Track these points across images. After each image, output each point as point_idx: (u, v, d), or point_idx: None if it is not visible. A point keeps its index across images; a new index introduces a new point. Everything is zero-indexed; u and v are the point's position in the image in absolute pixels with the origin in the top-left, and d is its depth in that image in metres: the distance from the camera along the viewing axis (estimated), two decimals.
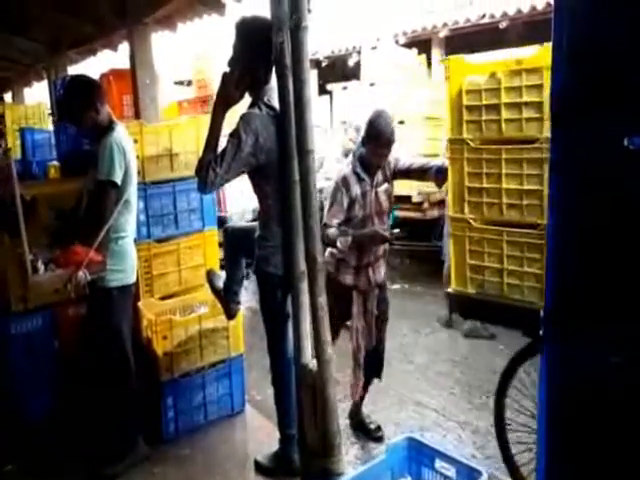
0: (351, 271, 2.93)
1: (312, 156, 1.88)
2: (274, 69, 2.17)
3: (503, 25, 6.03)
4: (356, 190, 2.83)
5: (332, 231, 2.77)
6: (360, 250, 2.87)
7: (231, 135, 2.26)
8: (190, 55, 8.15)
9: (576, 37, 0.96)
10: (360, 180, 2.84)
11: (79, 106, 2.67)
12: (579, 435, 1.05)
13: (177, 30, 4.09)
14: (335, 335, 3.05)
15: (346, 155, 4.69)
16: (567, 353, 1.04)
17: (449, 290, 2.71)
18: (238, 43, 2.33)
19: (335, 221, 2.80)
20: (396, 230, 2.87)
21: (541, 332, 1.07)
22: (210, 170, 2.23)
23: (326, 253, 3.00)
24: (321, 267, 1.91)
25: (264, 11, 2.17)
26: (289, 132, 1.92)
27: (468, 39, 7.13)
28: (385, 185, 2.93)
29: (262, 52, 2.24)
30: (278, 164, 2.24)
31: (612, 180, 0.95)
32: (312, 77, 5.99)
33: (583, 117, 0.97)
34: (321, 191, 4.71)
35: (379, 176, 2.91)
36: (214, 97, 2.33)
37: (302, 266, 2.01)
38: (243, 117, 2.28)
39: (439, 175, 2.78)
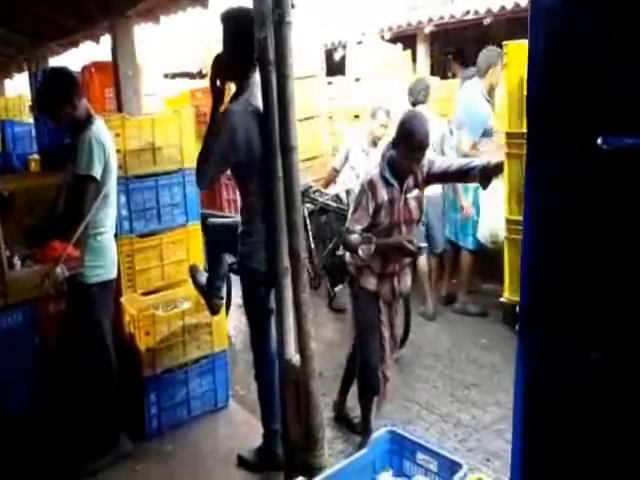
0: (374, 276, 2.73)
1: (295, 152, 1.87)
2: (258, 64, 2.16)
3: (487, 21, 6.06)
4: (383, 195, 2.60)
5: (354, 237, 2.57)
6: (384, 257, 2.67)
7: (213, 132, 2.30)
8: (175, 48, 8.08)
9: (552, 34, 0.97)
10: (388, 185, 2.61)
11: (56, 100, 2.63)
12: (555, 430, 1.06)
13: (160, 23, 4.04)
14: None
15: (374, 144, 4.45)
16: (543, 347, 1.05)
17: (502, 299, 2.57)
18: (223, 35, 2.34)
19: (358, 227, 2.58)
20: (423, 244, 2.72)
21: (517, 326, 1.09)
22: (199, 166, 2.33)
23: (347, 255, 2.88)
24: (304, 263, 1.91)
25: (249, 5, 2.16)
26: (272, 128, 1.91)
27: (453, 35, 7.17)
28: (415, 191, 2.70)
29: (242, 44, 2.26)
30: (261, 160, 2.24)
31: (585, 179, 0.96)
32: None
33: (558, 115, 0.98)
34: (348, 192, 4.49)
35: (410, 181, 2.67)
36: None
37: (286, 262, 2.01)
38: (223, 113, 2.31)
39: (484, 175, 2.57)
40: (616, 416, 0.99)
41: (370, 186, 2.61)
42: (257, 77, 2.22)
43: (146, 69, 6.37)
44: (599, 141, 0.90)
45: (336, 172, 4.83)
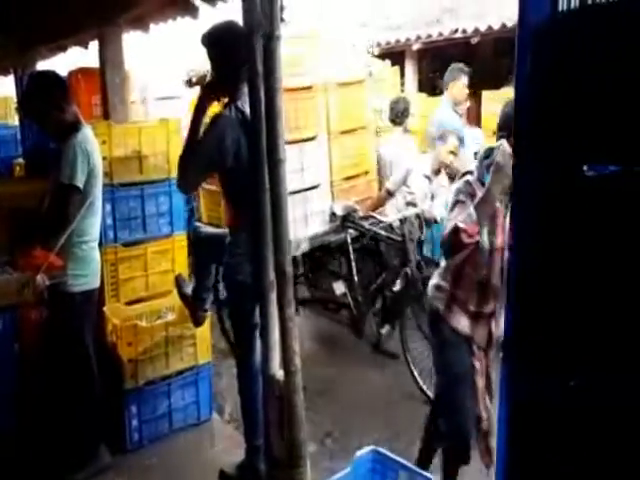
0: (467, 316, 2.27)
1: (283, 165, 1.86)
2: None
3: (475, 41, 6.16)
4: None
5: (450, 223, 2.11)
6: (483, 290, 2.22)
7: (200, 137, 2.33)
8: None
9: (539, 59, 0.98)
10: None
11: (42, 103, 2.60)
12: (537, 454, 1.07)
13: (149, 31, 4.03)
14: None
15: (438, 172, 4.01)
16: (525, 374, 1.06)
17: None
18: (209, 55, 2.39)
19: (460, 218, 2.08)
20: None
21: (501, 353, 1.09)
22: (183, 170, 2.35)
23: (430, 287, 2.40)
24: (290, 278, 1.89)
25: (237, 16, 2.17)
26: (259, 140, 1.91)
27: (441, 53, 7.27)
28: None
29: (229, 58, 2.32)
30: (249, 171, 2.24)
31: (569, 205, 0.97)
32: None
33: (544, 142, 0.99)
34: (403, 221, 3.75)
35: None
36: None
37: (271, 276, 1.99)
38: (211, 119, 2.33)
39: None
40: (593, 442, 1.00)
41: (469, 188, 2.17)
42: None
43: (166, 73, 6.25)
44: (585, 168, 0.91)
45: (389, 195, 4.23)
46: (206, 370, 3.19)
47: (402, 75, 6.95)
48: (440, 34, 6.52)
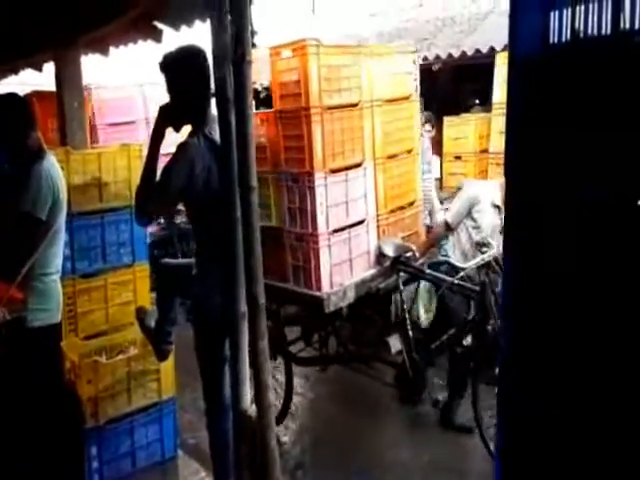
0: None
1: (255, 192, 1.81)
2: (216, 102, 2.11)
3: (436, 67, 6.33)
4: None
5: None
6: None
7: (165, 165, 2.22)
8: None
9: (529, 88, 0.98)
10: None
11: (5, 127, 2.48)
12: (527, 458, 1.09)
13: (108, 54, 3.95)
14: None
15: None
16: (519, 390, 1.07)
17: None
18: (169, 81, 2.29)
19: None
20: None
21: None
22: (144, 200, 2.23)
23: None
24: (262, 309, 1.82)
25: (207, 41, 2.11)
26: (231, 168, 1.85)
27: None
28: None
29: (188, 83, 2.24)
30: (219, 199, 2.17)
31: (564, 230, 0.97)
32: None
33: (537, 168, 0.98)
34: (481, 266, 3.08)
35: None
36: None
37: (243, 307, 1.91)
38: (179, 147, 2.24)
39: None
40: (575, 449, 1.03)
41: None
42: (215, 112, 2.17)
43: (160, 93, 5.98)
44: (574, 194, 0.91)
45: (449, 230, 3.59)
46: (170, 405, 3.05)
47: None
48: None
